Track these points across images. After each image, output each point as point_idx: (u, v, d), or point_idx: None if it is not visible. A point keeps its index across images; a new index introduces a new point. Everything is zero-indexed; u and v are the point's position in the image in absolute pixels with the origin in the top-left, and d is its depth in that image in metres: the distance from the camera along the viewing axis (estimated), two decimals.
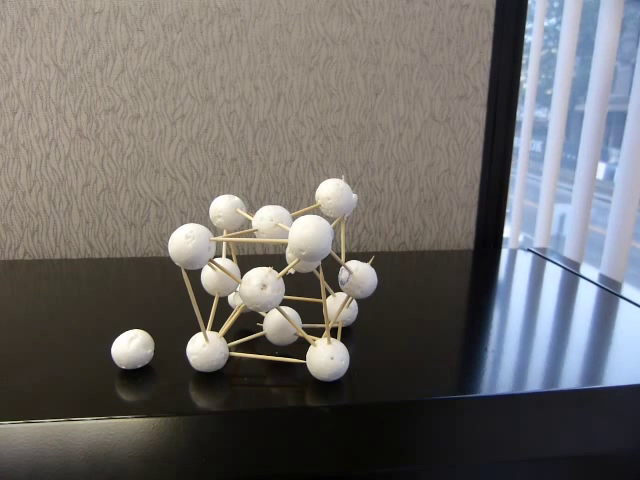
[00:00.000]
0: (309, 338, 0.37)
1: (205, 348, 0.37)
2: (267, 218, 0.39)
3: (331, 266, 0.42)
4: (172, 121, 0.67)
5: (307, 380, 0.37)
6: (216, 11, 0.65)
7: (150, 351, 0.38)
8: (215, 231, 0.67)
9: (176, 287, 0.54)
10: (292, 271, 0.38)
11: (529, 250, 0.74)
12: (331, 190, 0.39)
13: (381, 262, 0.67)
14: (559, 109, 0.95)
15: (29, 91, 0.64)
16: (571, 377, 0.39)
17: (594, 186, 0.91)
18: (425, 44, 0.69)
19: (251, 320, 0.44)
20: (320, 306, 0.39)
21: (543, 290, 0.60)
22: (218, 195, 0.69)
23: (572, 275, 0.63)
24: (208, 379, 0.37)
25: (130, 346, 0.37)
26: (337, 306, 0.43)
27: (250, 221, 0.41)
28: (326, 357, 0.36)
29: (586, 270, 0.64)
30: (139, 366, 0.38)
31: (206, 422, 0.33)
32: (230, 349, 0.39)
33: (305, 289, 0.47)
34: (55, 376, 0.37)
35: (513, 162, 0.75)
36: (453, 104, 0.72)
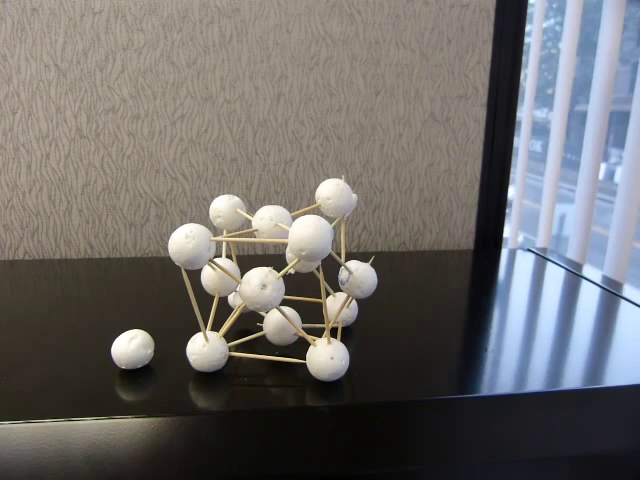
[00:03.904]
0: (309, 338, 0.37)
1: (205, 348, 0.37)
2: (267, 218, 0.39)
3: (331, 266, 0.42)
4: (172, 121, 0.67)
5: (307, 380, 0.37)
6: (216, 11, 0.65)
7: (150, 351, 0.38)
8: (215, 231, 0.67)
9: (176, 287, 0.54)
10: (292, 271, 0.38)
11: (529, 250, 0.74)
12: (331, 190, 0.39)
13: (381, 262, 0.67)
14: (560, 109, 0.95)
15: (29, 91, 0.64)
16: (571, 377, 0.39)
17: (597, 186, 0.91)
18: (425, 44, 0.69)
19: (251, 320, 0.44)
20: (320, 306, 0.39)
21: (543, 290, 0.60)
22: (218, 195, 0.69)
23: (571, 275, 0.63)
24: (208, 379, 0.37)
25: (130, 346, 0.37)
26: (337, 306, 0.43)
27: (250, 221, 0.41)
28: (326, 357, 0.36)
29: (586, 270, 0.64)
30: (139, 366, 0.38)
31: (206, 422, 0.33)
32: (230, 349, 0.39)
33: (305, 289, 0.47)
34: (55, 376, 0.37)
35: (513, 162, 0.75)
36: (453, 104, 0.72)
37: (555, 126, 0.96)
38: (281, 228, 0.38)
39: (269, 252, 0.73)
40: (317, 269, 0.39)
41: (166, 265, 0.65)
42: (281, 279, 0.35)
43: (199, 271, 0.40)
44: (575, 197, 0.93)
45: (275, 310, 0.38)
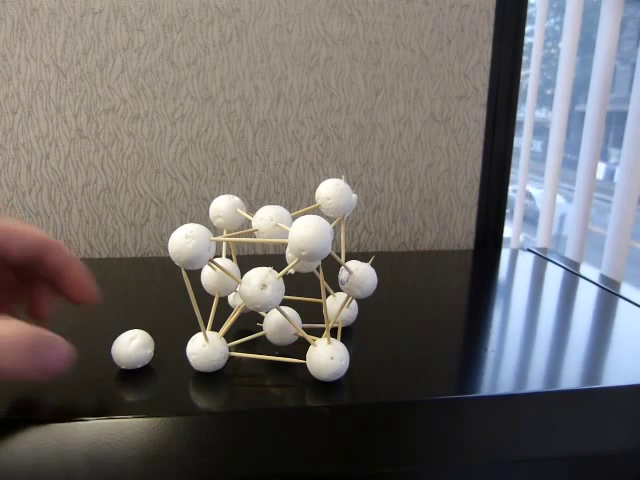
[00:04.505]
0: (309, 338, 0.37)
1: (205, 348, 0.37)
2: (267, 218, 0.39)
3: (331, 266, 0.42)
4: (172, 121, 0.67)
5: (307, 380, 0.37)
6: (216, 11, 0.65)
7: (150, 351, 0.38)
8: (215, 231, 0.67)
9: (176, 287, 0.54)
10: (292, 271, 0.38)
11: (529, 250, 0.74)
12: (331, 190, 0.39)
13: (381, 262, 0.66)
14: (560, 109, 0.95)
15: (29, 91, 0.64)
16: (571, 377, 0.39)
17: (594, 186, 0.91)
18: (425, 44, 0.69)
19: (251, 320, 0.44)
20: (320, 306, 0.39)
21: (543, 290, 0.60)
22: (218, 195, 0.69)
23: (571, 275, 0.63)
24: (208, 379, 0.37)
25: (130, 346, 0.37)
26: (337, 306, 0.43)
27: (250, 221, 0.41)
28: (326, 357, 0.36)
29: (585, 270, 0.64)
30: (139, 366, 0.38)
31: (206, 422, 0.33)
32: (230, 349, 0.39)
33: (305, 289, 0.47)
34: (55, 376, 0.37)
35: (514, 162, 0.75)
36: (453, 104, 0.72)
37: (555, 126, 0.96)
38: (281, 228, 0.38)
39: (269, 252, 0.73)
40: (317, 269, 0.39)
41: (166, 265, 0.64)
42: (281, 279, 0.35)
43: (199, 271, 0.40)
44: (574, 197, 0.93)
45: (275, 310, 0.38)
